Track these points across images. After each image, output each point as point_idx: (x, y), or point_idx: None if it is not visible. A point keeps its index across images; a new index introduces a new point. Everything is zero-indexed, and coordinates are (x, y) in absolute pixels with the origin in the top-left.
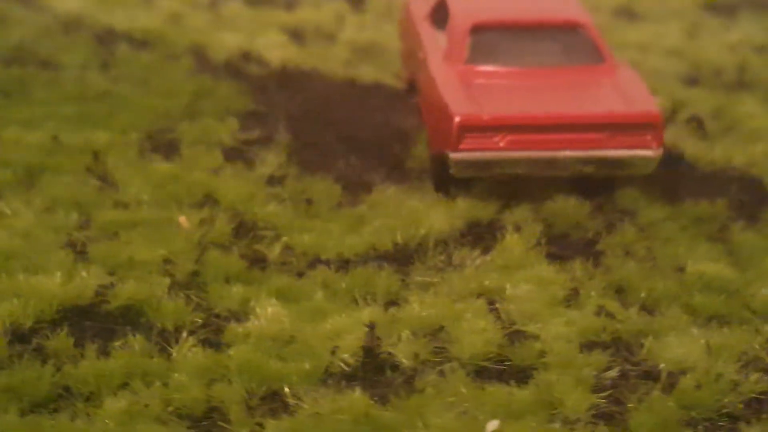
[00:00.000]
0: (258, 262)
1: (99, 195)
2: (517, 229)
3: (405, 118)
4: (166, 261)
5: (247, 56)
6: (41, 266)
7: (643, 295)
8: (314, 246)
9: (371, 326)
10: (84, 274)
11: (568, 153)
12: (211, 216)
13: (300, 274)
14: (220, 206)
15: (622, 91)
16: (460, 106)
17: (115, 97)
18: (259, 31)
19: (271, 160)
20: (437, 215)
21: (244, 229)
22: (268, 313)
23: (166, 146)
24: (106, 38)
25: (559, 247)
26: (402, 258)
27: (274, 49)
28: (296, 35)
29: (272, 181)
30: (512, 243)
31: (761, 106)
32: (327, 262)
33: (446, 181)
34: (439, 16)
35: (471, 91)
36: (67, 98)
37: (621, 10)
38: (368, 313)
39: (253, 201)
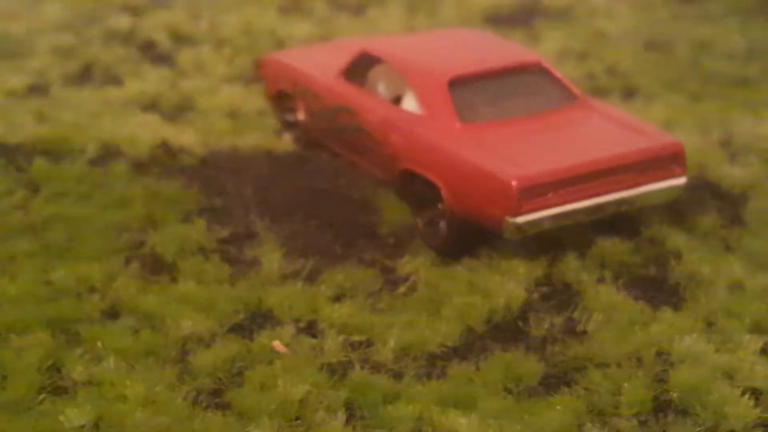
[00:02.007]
0: (383, 370)
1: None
2: (601, 280)
3: (346, 183)
4: None
5: (165, 147)
6: None
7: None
8: (415, 342)
9: None
10: None
11: (611, 196)
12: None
13: (440, 376)
14: (283, 319)
15: (626, 127)
16: (506, 170)
17: (67, 221)
18: (115, 115)
19: (272, 257)
20: (498, 281)
21: (337, 341)
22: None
23: (156, 264)
24: (7, 154)
25: (641, 289)
26: (509, 332)
27: (154, 131)
28: (157, 111)
29: (297, 278)
30: (604, 295)
31: None
32: (447, 356)
33: (462, 245)
34: (362, 72)
35: (496, 151)
36: (16, 232)
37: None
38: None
39: (315, 306)
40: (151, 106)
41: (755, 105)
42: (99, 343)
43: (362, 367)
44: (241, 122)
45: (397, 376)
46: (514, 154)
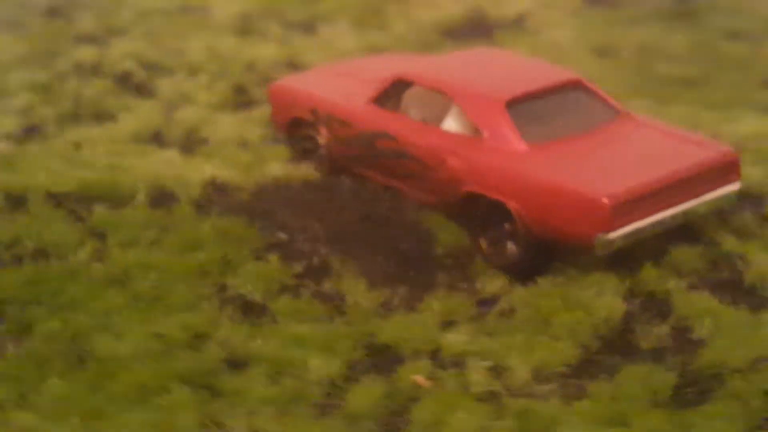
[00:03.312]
0: (529, 395)
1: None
2: (693, 287)
3: (394, 208)
4: None
5: (215, 184)
6: None
7: None
8: (541, 364)
9: None
10: None
11: (683, 206)
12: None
13: (582, 396)
14: (404, 352)
15: (679, 138)
16: (595, 188)
17: (146, 268)
18: (137, 153)
19: (355, 289)
20: (592, 295)
21: (478, 370)
22: None
23: (249, 307)
24: (62, 204)
25: (726, 293)
26: (621, 345)
27: (194, 168)
28: (171, 146)
29: (393, 309)
30: (699, 302)
31: None
32: (576, 374)
33: (532, 263)
34: (395, 97)
35: (574, 169)
36: (101, 285)
37: None
38: None
39: (430, 336)
40: (154, 139)
41: (715, 105)
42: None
43: (511, 395)
44: (256, 152)
45: (544, 399)
46: (593, 172)
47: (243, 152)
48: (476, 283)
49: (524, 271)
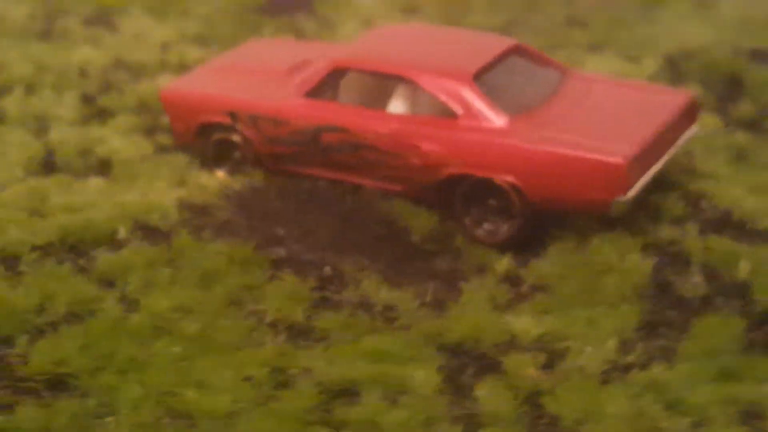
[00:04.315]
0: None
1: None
2: (703, 232)
3: (359, 203)
4: None
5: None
6: None
7: None
8: (619, 333)
9: None
10: None
11: (669, 154)
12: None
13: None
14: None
15: (640, 89)
16: (606, 151)
17: (178, 310)
18: (59, 191)
19: (381, 293)
20: (618, 256)
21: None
22: None
23: (297, 329)
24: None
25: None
26: (671, 299)
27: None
28: (82, 173)
29: (434, 306)
30: (718, 246)
31: None
32: (654, 337)
33: (529, 235)
34: (330, 87)
35: (571, 136)
36: (144, 337)
37: None
38: None
39: (499, 326)
40: (48, 168)
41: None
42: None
43: (623, 370)
44: (174, 167)
45: (646, 367)
46: (591, 136)
47: (166, 170)
48: (472, 262)
49: (515, 244)
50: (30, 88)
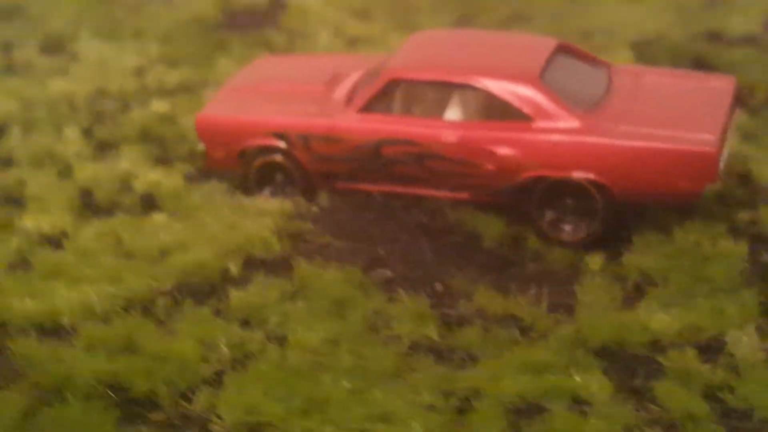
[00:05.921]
0: None
1: None
2: None
3: (435, 215)
4: None
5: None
6: None
7: None
8: (751, 322)
9: None
10: None
11: (730, 137)
12: None
13: None
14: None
15: (687, 77)
16: (694, 141)
17: (330, 343)
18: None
19: (497, 301)
20: (709, 242)
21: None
22: None
23: (435, 351)
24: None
25: None
26: None
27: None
28: (137, 210)
29: (557, 307)
30: None
31: None
32: None
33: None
34: (386, 100)
35: (653, 130)
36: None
37: None
38: None
39: (634, 325)
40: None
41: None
42: None
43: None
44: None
45: None
46: (673, 128)
47: (217, 198)
48: (562, 263)
49: (597, 241)
50: (26, 126)
